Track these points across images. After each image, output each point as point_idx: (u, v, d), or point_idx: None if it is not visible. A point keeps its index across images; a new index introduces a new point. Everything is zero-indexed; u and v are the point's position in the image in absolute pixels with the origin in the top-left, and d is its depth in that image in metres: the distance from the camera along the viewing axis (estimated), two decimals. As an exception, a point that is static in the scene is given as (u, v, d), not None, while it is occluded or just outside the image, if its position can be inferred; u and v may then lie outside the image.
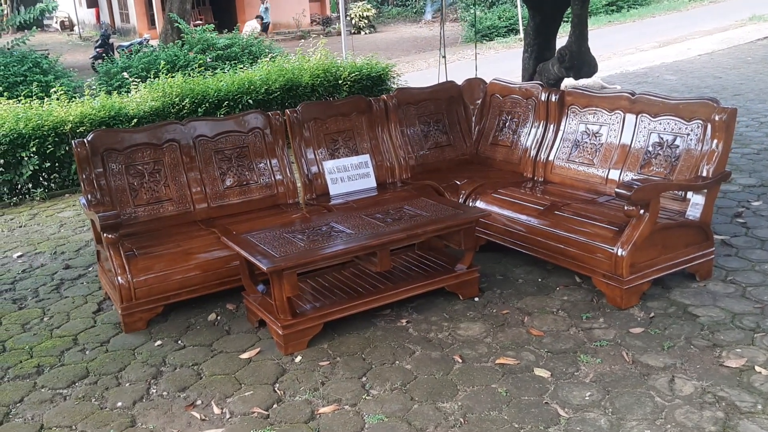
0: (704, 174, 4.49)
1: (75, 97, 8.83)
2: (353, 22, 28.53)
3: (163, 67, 9.90)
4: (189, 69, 11.82)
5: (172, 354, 4.16)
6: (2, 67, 13.52)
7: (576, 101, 5.47)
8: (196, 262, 4.59)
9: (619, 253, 4.20)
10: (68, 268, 5.70)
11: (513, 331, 4.14)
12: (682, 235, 4.44)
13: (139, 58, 14.47)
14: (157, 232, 4.94)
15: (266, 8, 26.89)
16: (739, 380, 3.48)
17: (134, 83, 9.61)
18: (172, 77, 9.22)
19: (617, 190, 4.19)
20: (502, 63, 16.20)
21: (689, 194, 4.57)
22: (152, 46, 17.49)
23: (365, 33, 28.27)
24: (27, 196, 7.91)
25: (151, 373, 3.96)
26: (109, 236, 4.38)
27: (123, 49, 18.86)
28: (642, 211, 4.18)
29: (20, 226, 6.95)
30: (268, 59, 10.51)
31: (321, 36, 12.66)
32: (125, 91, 10.05)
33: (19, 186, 7.90)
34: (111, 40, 22.01)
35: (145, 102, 8.61)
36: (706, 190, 4.46)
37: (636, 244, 4.18)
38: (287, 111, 5.64)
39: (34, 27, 18.79)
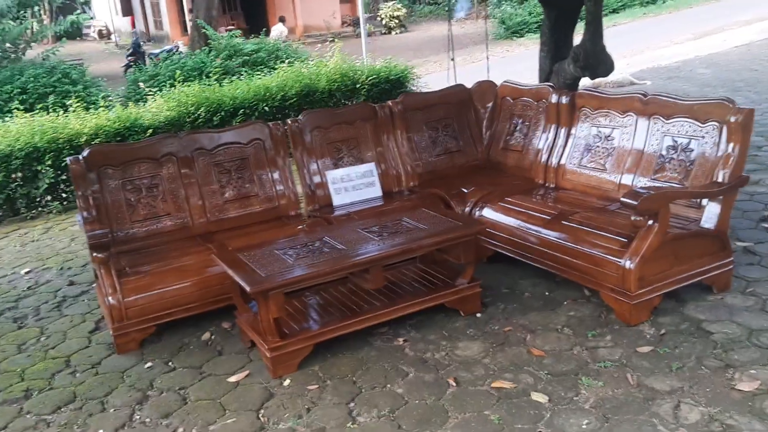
0: (720, 179, 4.21)
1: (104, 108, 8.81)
2: (384, 22, 28.39)
3: (178, 76, 9.85)
4: (214, 75, 11.82)
5: (160, 377, 4.04)
6: (32, 79, 13.69)
7: (587, 103, 5.21)
8: (191, 279, 4.47)
9: (627, 266, 3.95)
10: (72, 284, 5.64)
11: (513, 350, 3.92)
12: (697, 245, 4.17)
13: (167, 65, 14.55)
14: (154, 248, 4.84)
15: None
16: (751, 406, 3.21)
17: (150, 92, 9.58)
18: (188, 86, 9.16)
19: (623, 199, 3.94)
20: (531, 60, 15.84)
21: (704, 201, 4.29)
22: (182, 53, 17.59)
23: (396, 33, 28.11)
24: (44, 209, 7.93)
25: (136, 398, 3.85)
26: (99, 255, 4.29)
27: (153, 57, 19.05)
28: (651, 222, 3.92)
29: (33, 241, 6.94)
30: (285, 65, 10.39)
31: (337, 39, 12.42)
32: (143, 101, 10.05)
33: (38, 199, 7.92)
34: (143, 48, 22.26)
35: (161, 112, 8.57)
36: (722, 197, 4.18)
37: (645, 257, 3.93)
38: (288, 120, 5.50)
39: (65, 38, 19.11)
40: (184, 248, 4.77)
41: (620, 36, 18.44)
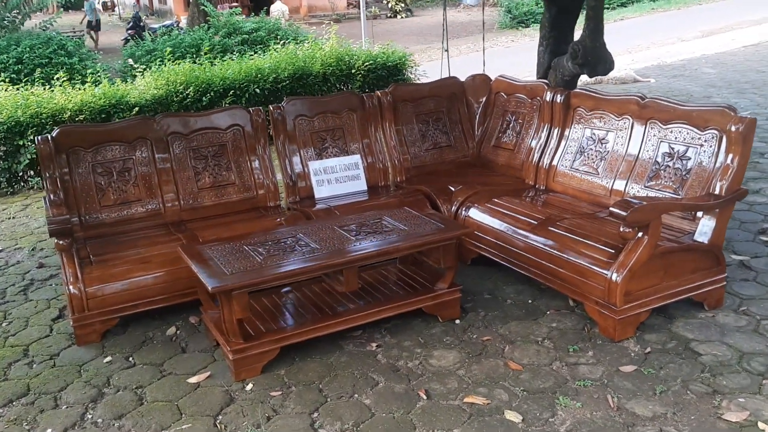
0: (717, 191, 3.99)
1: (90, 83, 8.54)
2: (389, 5, 28.02)
3: (168, 54, 9.59)
4: (205, 53, 11.56)
5: (118, 373, 3.85)
6: (27, 49, 13.40)
7: (582, 103, 4.98)
8: (159, 271, 4.26)
9: (614, 279, 3.75)
10: (42, 267, 5.44)
11: (490, 362, 3.72)
12: (689, 259, 3.96)
13: (164, 41, 14.27)
14: (123, 235, 4.63)
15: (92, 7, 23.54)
16: (737, 439, 3.02)
17: (139, 69, 9.33)
18: (178, 64, 8.92)
19: (612, 209, 3.72)
20: (534, 52, 15.56)
21: (699, 213, 4.08)
22: (182, 29, 17.29)
23: (401, 17, 27.75)
24: (25, 185, 7.72)
25: (91, 395, 3.65)
26: (60, 242, 4.08)
27: (152, 32, 18.74)
28: (640, 234, 3.71)
29: (9, 218, 6.73)
30: (279, 46, 10.13)
31: (341, 20, 12.12)
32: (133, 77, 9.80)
33: (20, 174, 7.71)
34: (143, 23, 21.94)
35: (149, 90, 8.33)
36: (717, 210, 3.96)
37: (632, 270, 3.72)
38: (270, 107, 5.27)
39: (61, 10, 18.79)
40: (153, 237, 4.56)
41: (627, 30, 18.16)
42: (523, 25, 21.45)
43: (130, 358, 4.00)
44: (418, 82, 9.31)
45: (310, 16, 26.60)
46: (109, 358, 4.00)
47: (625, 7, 23.56)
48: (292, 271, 3.64)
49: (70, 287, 4.08)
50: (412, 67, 9.93)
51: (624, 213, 3.62)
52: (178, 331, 4.28)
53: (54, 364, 4.00)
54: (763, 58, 12.88)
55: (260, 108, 5.25)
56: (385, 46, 9.98)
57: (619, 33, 16.27)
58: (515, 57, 15.07)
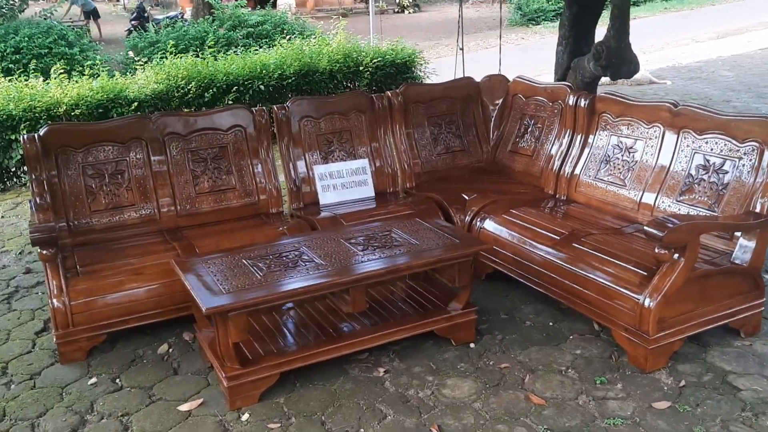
0: (758, 209, 3.67)
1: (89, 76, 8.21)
2: (397, 0, 27.62)
3: (171, 47, 9.26)
4: (218, 46, 11.23)
5: (103, 397, 3.53)
6: (26, 39, 13.09)
7: (609, 108, 4.65)
8: (151, 283, 3.94)
9: (646, 304, 3.42)
10: (29, 272, 5.12)
11: (509, 395, 3.40)
12: (726, 283, 3.64)
13: (168, 33, 13.95)
14: (114, 243, 4.32)
15: None
16: (788, 494, 2.70)
17: (140, 63, 8.99)
18: (180, 57, 8.58)
19: (647, 228, 3.39)
20: (545, 51, 15.20)
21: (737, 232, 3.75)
22: (186, 20, 16.97)
23: (409, 12, 27.34)
24: (17, 181, 7.41)
25: (72, 423, 3.34)
26: (44, 252, 3.76)
27: (156, 24, 18.41)
28: (676, 256, 3.39)
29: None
30: (286, 41, 9.79)
31: (348, 14, 11.75)
32: (131, 71, 9.47)
33: (12, 170, 7.40)
34: (147, 13, 21.59)
35: (148, 84, 7.99)
36: (758, 230, 3.64)
37: (667, 295, 3.39)
38: (274, 107, 4.94)
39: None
40: (147, 246, 4.24)
41: (639, 30, 17.71)
42: (534, 22, 21.04)
43: (117, 380, 3.69)
44: (429, 82, 8.96)
45: (316, 10, 26.19)
46: (94, 380, 3.69)
47: (638, 6, 23.11)
48: (295, 291, 3.32)
49: (54, 301, 3.77)
50: (421, 64, 9.59)
51: (660, 234, 3.29)
52: (171, 349, 3.96)
53: (34, 385, 3.68)
54: (782, 61, 12.52)
55: (264, 108, 4.92)
56: (394, 43, 9.63)
57: (632, 32, 15.89)
58: (525, 55, 14.71)
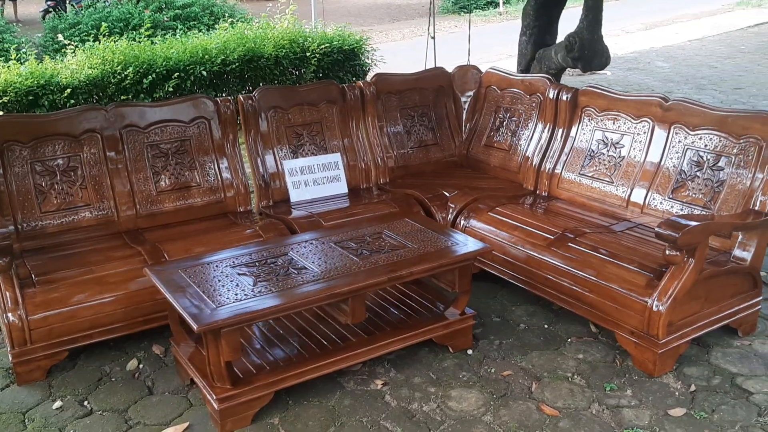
0: (758, 207, 3.60)
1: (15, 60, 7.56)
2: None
3: (104, 29, 8.66)
4: (145, 30, 10.62)
5: (73, 424, 3.15)
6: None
7: (593, 102, 4.52)
8: (115, 293, 3.55)
9: (655, 308, 3.30)
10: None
11: (519, 406, 3.22)
12: (729, 283, 3.57)
13: (89, 14, 13.17)
14: (69, 247, 3.91)
15: None
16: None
17: (71, 45, 8.36)
18: (114, 41, 8.02)
19: (659, 230, 3.25)
20: (478, 39, 15.14)
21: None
22: (108, 1, 16.09)
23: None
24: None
25: (40, 456, 2.97)
26: (-3, 262, 3.33)
27: (75, 4, 17.38)
28: (687, 257, 3.27)
29: None
30: (228, 24, 9.33)
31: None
32: (62, 54, 8.81)
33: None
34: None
35: (82, 70, 7.42)
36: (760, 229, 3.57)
37: (677, 298, 3.28)
38: (240, 97, 4.60)
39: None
40: (107, 251, 3.84)
41: (567, 22, 17.98)
42: (465, 10, 21.00)
43: (86, 402, 3.31)
44: (380, 71, 8.69)
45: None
46: (59, 403, 3.30)
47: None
48: (293, 304, 3.03)
49: (9, 315, 3.35)
50: (369, 51, 9.31)
51: (675, 235, 3.16)
52: (141, 365, 3.60)
53: (-11, 411, 3.27)
54: (711, 53, 12.85)
55: (229, 98, 4.56)
56: (341, 29, 9.31)
57: (560, 24, 16.05)
58: (461, 45, 14.60)
